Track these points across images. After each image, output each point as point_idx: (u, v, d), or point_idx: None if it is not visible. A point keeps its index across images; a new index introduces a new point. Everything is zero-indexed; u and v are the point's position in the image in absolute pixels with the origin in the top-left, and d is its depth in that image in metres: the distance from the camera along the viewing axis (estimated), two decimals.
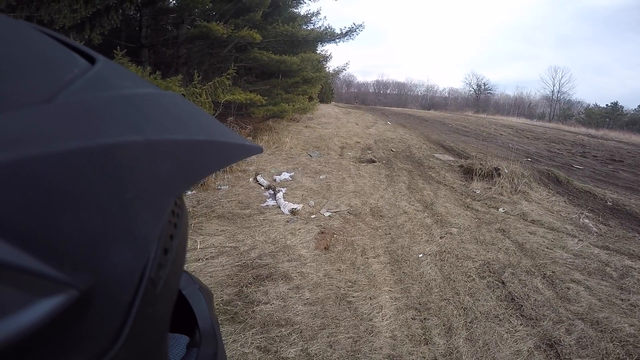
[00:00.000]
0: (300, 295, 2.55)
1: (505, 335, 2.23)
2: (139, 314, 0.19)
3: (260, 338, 2.14)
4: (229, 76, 5.76)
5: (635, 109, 46.89)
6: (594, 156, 10.63)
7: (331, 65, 20.12)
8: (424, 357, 2.04)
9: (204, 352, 0.35)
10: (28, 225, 0.14)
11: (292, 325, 2.25)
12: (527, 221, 4.38)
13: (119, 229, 0.18)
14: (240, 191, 4.89)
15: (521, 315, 2.46)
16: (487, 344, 2.14)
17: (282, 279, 2.73)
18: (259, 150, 0.31)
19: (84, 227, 0.16)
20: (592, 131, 22.23)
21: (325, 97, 23.11)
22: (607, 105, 46.41)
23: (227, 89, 5.85)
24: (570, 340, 2.21)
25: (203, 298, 0.42)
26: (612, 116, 43.72)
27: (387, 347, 2.10)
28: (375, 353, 2.05)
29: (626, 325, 2.36)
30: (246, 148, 0.29)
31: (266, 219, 3.95)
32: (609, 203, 5.41)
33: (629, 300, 2.68)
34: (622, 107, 45.58)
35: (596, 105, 49.07)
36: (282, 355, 2.04)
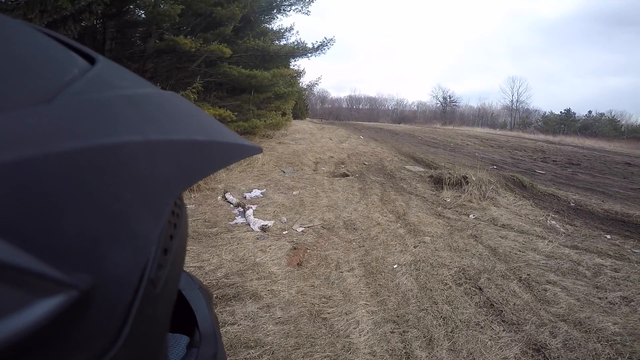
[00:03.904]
0: (271, 314, 2.37)
1: (489, 342, 2.14)
2: (138, 314, 0.19)
3: None
4: (194, 90, 5.60)
5: (586, 114, 50.59)
6: (553, 161, 11.22)
7: (304, 81, 20.38)
8: None
9: (203, 352, 0.35)
10: (28, 226, 0.14)
11: (262, 347, 2.06)
12: (498, 226, 4.42)
13: (119, 229, 0.18)
14: (207, 209, 4.65)
15: (502, 320, 2.38)
16: (471, 354, 2.04)
17: (250, 298, 2.53)
18: (258, 151, 0.31)
19: (83, 227, 0.16)
20: (550, 137, 23.72)
21: (300, 113, 23.25)
22: (561, 112, 49.82)
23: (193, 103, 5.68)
24: (557, 344, 2.13)
25: (203, 298, 0.42)
26: (566, 122, 46.90)
27: None
28: None
29: (609, 323, 2.32)
30: (245, 148, 0.29)
31: (234, 237, 3.74)
32: (572, 204, 5.62)
33: (606, 298, 2.67)
34: (574, 114, 49.18)
35: (551, 112, 52.64)
36: None
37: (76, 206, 0.16)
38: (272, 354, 2.00)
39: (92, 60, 0.22)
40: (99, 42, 6.44)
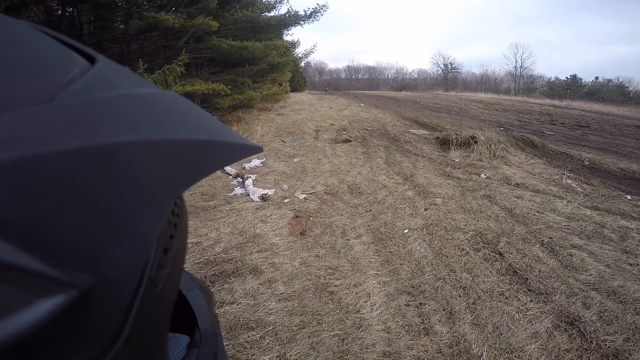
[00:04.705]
0: (273, 290, 2.15)
1: (516, 315, 1.91)
2: (139, 314, 0.19)
3: (227, 345, 1.73)
4: (180, 62, 5.25)
5: (592, 80, 49.26)
6: (561, 123, 10.85)
7: (300, 52, 19.66)
8: (427, 351, 1.68)
9: (204, 352, 0.35)
10: (28, 225, 0.14)
11: (264, 327, 1.85)
12: (511, 185, 4.17)
13: (119, 228, 0.18)
14: (205, 182, 4.38)
15: (528, 290, 2.15)
16: (497, 328, 1.82)
17: (250, 274, 2.31)
18: (258, 150, 0.30)
19: (83, 227, 0.16)
20: (556, 102, 23.05)
21: (298, 85, 22.71)
22: (567, 78, 48.52)
23: (179, 76, 5.37)
24: (591, 316, 1.90)
25: (203, 298, 0.42)
26: (572, 88, 45.78)
27: (381, 343, 1.74)
28: (367, 352, 1.68)
29: None
30: (246, 147, 0.29)
31: (233, 208, 3.50)
32: (586, 163, 5.36)
33: (638, 264, 2.41)
34: (580, 79, 47.83)
35: (557, 78, 51.22)
36: None
37: (76, 206, 0.15)
38: (275, 335, 1.79)
39: (92, 60, 0.22)
40: (77, 28, 6.05)
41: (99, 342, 0.17)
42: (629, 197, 3.90)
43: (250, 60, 8.02)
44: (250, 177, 4.46)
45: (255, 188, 4.03)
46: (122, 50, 6.55)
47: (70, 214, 0.15)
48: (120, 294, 0.18)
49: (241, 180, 4.44)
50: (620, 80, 47.24)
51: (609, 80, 48.01)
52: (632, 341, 1.72)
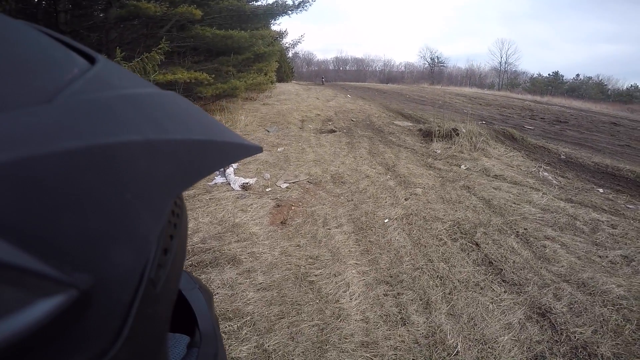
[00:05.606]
0: (251, 280, 2.13)
1: (491, 306, 1.95)
2: (139, 314, 0.19)
3: None
4: (160, 51, 5.07)
5: (573, 77, 50.67)
6: (541, 118, 11.10)
7: (287, 42, 19.37)
8: (404, 341, 1.70)
9: (204, 352, 0.35)
10: (28, 225, 0.14)
11: (242, 317, 1.83)
12: (490, 176, 4.26)
13: (119, 229, 0.18)
14: None
15: (503, 280, 2.20)
16: (472, 319, 1.85)
17: (229, 263, 2.27)
18: (258, 150, 0.31)
19: (83, 227, 0.16)
20: (538, 98, 23.56)
21: (285, 75, 22.43)
22: (549, 74, 49.76)
23: (159, 65, 5.20)
24: (562, 307, 1.95)
25: (203, 298, 0.42)
26: (554, 84, 47.04)
27: (359, 333, 1.74)
28: (345, 342, 1.69)
29: (614, 286, 2.15)
30: (245, 148, 0.29)
31: (213, 197, 3.44)
32: (562, 156, 5.51)
33: (607, 257, 2.50)
34: (562, 76, 49.23)
35: (539, 74, 52.59)
36: (231, 355, 1.63)
37: (76, 206, 0.15)
38: (253, 325, 1.77)
39: (92, 60, 0.22)
40: (53, 17, 5.77)
41: (99, 342, 0.17)
42: (601, 190, 4.04)
43: (235, 50, 7.83)
44: (232, 165, 4.38)
45: (236, 177, 3.97)
46: (101, 38, 6.31)
47: (70, 214, 0.15)
48: (120, 294, 0.18)
49: (222, 169, 4.36)
50: (600, 78, 48.82)
51: (589, 78, 49.54)
52: (600, 333, 1.78)
